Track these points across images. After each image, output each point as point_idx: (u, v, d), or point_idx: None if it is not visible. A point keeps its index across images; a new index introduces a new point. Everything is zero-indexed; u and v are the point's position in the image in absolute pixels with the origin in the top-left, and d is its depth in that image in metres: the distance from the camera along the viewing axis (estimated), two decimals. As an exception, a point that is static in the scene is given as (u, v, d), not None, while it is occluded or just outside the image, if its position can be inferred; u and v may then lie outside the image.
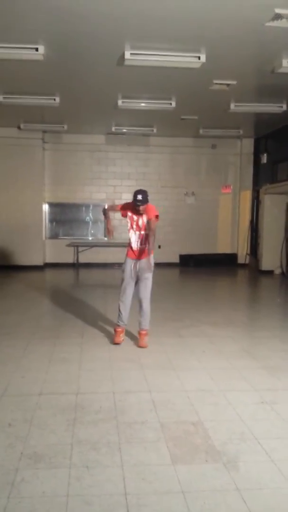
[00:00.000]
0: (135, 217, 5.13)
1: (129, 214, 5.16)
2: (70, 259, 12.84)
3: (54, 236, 12.99)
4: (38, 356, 4.77)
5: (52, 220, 13.02)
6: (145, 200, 4.97)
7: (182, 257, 13.44)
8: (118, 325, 5.26)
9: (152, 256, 5.08)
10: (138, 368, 4.44)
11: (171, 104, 9.09)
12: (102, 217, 5.35)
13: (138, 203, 4.94)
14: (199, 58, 6.70)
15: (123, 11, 5.48)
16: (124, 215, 5.25)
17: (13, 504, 2.31)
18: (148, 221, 5.03)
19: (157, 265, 12.81)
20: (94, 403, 3.59)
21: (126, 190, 13.11)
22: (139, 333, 5.25)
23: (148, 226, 5.03)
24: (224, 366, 4.56)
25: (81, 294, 9.03)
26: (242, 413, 3.43)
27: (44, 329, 5.92)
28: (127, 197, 13.07)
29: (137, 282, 5.21)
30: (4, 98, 8.81)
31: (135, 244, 5.18)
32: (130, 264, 5.18)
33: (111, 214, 5.61)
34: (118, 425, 3.20)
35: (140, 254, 5.15)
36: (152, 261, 5.07)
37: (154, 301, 6.93)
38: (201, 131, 11.76)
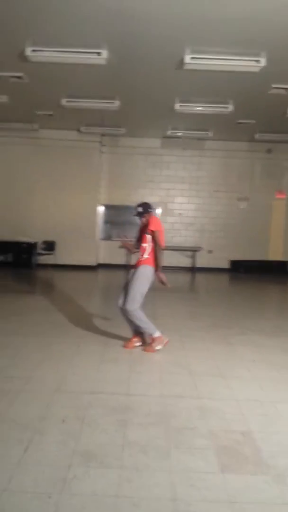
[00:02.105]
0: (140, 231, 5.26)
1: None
2: (122, 260, 13.03)
3: (107, 237, 13.22)
4: (90, 355, 4.88)
5: (106, 221, 13.27)
6: (144, 212, 5.09)
7: (232, 263, 13.29)
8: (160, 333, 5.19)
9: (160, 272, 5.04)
10: (187, 374, 4.46)
11: (228, 108, 9.05)
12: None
13: (136, 215, 5.13)
14: (258, 61, 6.65)
15: (184, 15, 5.54)
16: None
17: (64, 500, 2.39)
18: (152, 235, 5.01)
19: (207, 270, 12.88)
20: (144, 405, 3.64)
21: (179, 193, 13.18)
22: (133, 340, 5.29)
23: (152, 240, 5.03)
24: (275, 377, 4.48)
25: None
26: (293, 426, 3.38)
27: (96, 328, 6.05)
28: (180, 201, 13.16)
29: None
30: (66, 101, 9.07)
31: (140, 256, 5.14)
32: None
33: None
34: (167, 430, 3.23)
35: (139, 263, 5.09)
36: (163, 277, 5.02)
37: (203, 307, 6.89)
38: (257, 136, 11.61)
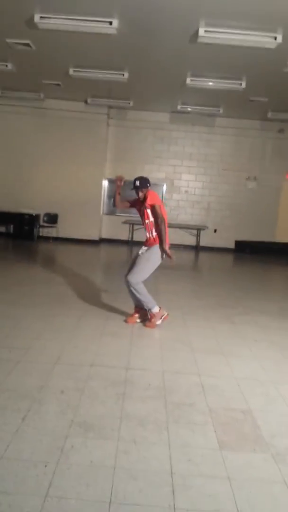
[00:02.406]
0: (137, 207, 5.12)
1: (137, 207, 5.13)
2: (125, 236, 12.96)
3: (111, 212, 13.11)
4: (91, 328, 4.86)
5: (110, 196, 13.13)
6: (142, 186, 4.92)
7: (238, 243, 13.20)
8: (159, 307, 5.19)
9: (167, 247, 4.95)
10: (188, 350, 4.43)
11: (241, 84, 8.83)
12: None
13: (133, 189, 4.98)
14: (275, 38, 6.45)
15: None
16: (132, 207, 5.25)
17: (62, 469, 2.37)
18: (151, 209, 4.91)
19: (212, 249, 12.81)
20: (143, 379, 3.62)
21: (186, 170, 13.01)
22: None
23: (152, 215, 4.94)
24: (276, 357, 4.46)
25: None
26: (293, 407, 3.35)
27: (98, 302, 6.02)
28: (187, 178, 13.00)
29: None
30: (74, 71, 8.87)
31: (147, 234, 5.06)
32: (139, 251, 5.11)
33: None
34: (166, 404, 3.21)
35: (149, 243, 5.04)
36: (170, 253, 4.95)
37: (207, 286, 6.86)
38: (269, 114, 11.38)
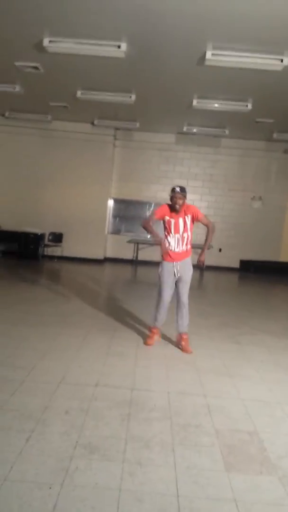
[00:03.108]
0: (173, 220, 4.84)
1: (167, 218, 4.87)
2: (129, 255, 12.98)
3: (116, 231, 13.17)
4: (96, 348, 4.84)
5: (115, 215, 13.21)
6: (184, 191, 4.77)
7: (242, 262, 13.18)
8: (156, 326, 5.19)
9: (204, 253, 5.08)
10: (194, 371, 4.39)
11: (247, 106, 8.93)
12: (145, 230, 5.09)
13: (179, 192, 4.72)
14: (281, 60, 6.54)
15: (206, 10, 5.44)
16: (161, 218, 4.92)
17: (66, 491, 2.35)
18: (197, 220, 4.85)
19: (216, 269, 12.77)
20: (149, 400, 3.59)
21: (192, 191, 13.06)
22: (182, 338, 5.08)
23: (203, 223, 4.93)
24: (282, 378, 4.41)
25: (138, 291, 9.12)
26: (300, 429, 3.31)
27: (103, 321, 6.00)
28: (192, 198, 13.04)
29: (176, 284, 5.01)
30: (82, 93, 9.01)
31: (175, 248, 4.91)
32: (169, 267, 4.92)
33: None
34: (172, 426, 3.17)
35: (181, 256, 4.94)
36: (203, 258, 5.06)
37: (211, 305, 6.84)
38: (275, 135, 11.47)
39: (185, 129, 11.61)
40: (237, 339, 5.72)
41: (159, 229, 5.02)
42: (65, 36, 6.46)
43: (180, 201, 4.75)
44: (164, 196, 12.88)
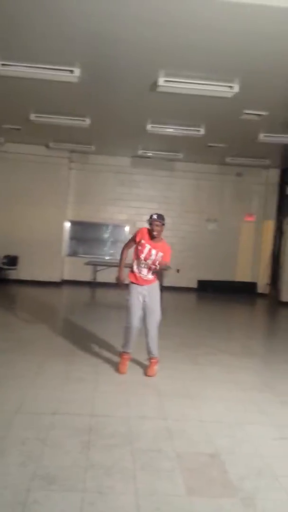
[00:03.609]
0: (148, 246, 4.82)
1: (143, 241, 4.85)
2: (87, 277, 12.86)
3: (73, 253, 13.05)
4: (53, 374, 4.73)
5: (72, 238, 13.10)
6: (162, 219, 4.82)
7: (200, 282, 13.35)
8: (126, 352, 5.04)
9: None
10: (154, 394, 4.37)
11: (199, 131, 9.16)
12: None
13: (156, 219, 4.76)
14: (231, 87, 6.76)
15: (157, 39, 5.57)
16: (139, 240, 4.89)
17: (24, 526, 2.25)
18: (161, 262, 4.86)
19: (175, 289, 12.86)
20: (109, 426, 3.52)
21: (148, 212, 13.06)
22: (151, 361, 5.03)
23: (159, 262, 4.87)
24: (242, 398, 4.45)
25: (97, 314, 9.03)
26: (260, 448, 3.34)
27: (60, 346, 5.88)
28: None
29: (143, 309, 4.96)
30: (35, 116, 8.98)
31: (143, 273, 4.92)
32: (136, 291, 4.90)
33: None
34: (132, 451, 3.12)
35: (147, 282, 4.95)
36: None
37: (171, 326, 6.85)
38: (227, 159, 11.80)
39: (140, 152, 11.76)
40: (196, 359, 5.74)
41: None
42: (18, 60, 6.44)
43: (158, 228, 4.79)
44: (121, 217, 12.99)
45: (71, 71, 6.56)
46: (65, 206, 12.75)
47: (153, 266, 4.87)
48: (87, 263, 12.63)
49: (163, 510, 2.47)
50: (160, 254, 4.85)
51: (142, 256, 4.84)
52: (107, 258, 13.14)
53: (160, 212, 5.13)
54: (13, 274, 12.29)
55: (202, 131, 9.13)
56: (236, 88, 6.68)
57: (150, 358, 5.04)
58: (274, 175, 13.21)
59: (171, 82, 6.70)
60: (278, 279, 12.42)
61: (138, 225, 13.18)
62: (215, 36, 5.37)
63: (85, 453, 3.05)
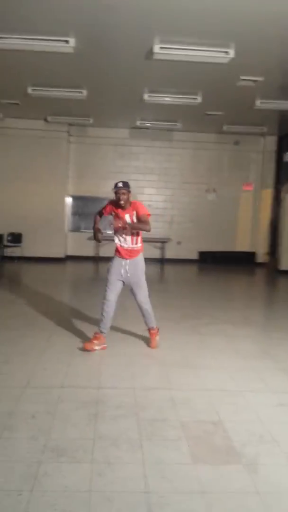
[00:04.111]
0: (120, 215, 4.71)
1: (114, 212, 4.77)
2: (90, 252, 12.92)
3: (76, 229, 13.08)
4: (60, 349, 4.82)
5: (74, 213, 13.10)
6: (126, 186, 4.63)
7: (201, 254, 13.40)
8: (101, 332, 4.82)
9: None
10: (158, 365, 4.47)
11: (196, 99, 9.05)
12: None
13: (121, 187, 4.59)
14: (227, 53, 6.64)
15: (152, 4, 5.47)
16: (108, 213, 4.87)
17: (36, 497, 2.35)
18: (139, 217, 4.66)
19: (176, 261, 12.92)
20: (115, 398, 3.62)
21: (148, 185, 13.13)
22: (150, 333, 5.03)
23: (139, 221, 4.68)
24: (243, 366, 4.55)
25: (101, 288, 9.10)
26: (262, 415, 3.43)
27: (66, 321, 5.97)
28: (149, 192, 13.11)
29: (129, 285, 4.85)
30: (32, 90, 8.87)
31: (123, 244, 4.81)
32: (118, 264, 4.80)
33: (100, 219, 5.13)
34: (138, 422, 3.22)
35: (130, 254, 4.82)
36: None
37: (173, 298, 6.90)
38: (224, 127, 11.68)
39: (138, 123, 11.64)
40: (199, 330, 5.83)
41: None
42: (13, 32, 6.32)
43: (124, 196, 4.62)
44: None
45: (66, 42, 6.47)
46: (65, 181, 12.71)
47: (134, 228, 4.67)
48: (90, 238, 12.65)
49: (170, 478, 2.57)
50: (135, 213, 4.69)
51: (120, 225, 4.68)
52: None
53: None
54: (18, 252, 12.37)
55: (199, 99, 9.04)
56: (231, 53, 6.58)
57: (149, 329, 5.04)
58: (271, 142, 13.12)
59: (167, 49, 6.60)
60: (276, 248, 12.44)
61: (138, 198, 13.12)
62: None
63: (92, 425, 3.15)
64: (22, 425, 3.10)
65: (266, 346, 5.32)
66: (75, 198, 13.02)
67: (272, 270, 12.27)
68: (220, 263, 12.86)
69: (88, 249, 12.92)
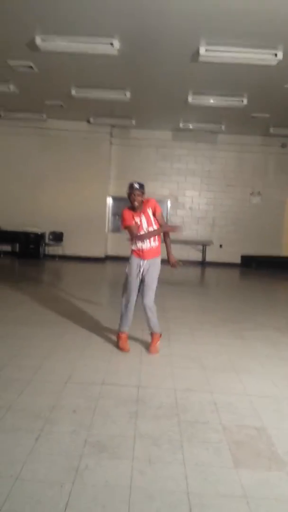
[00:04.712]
0: (137, 219, 4.59)
1: (134, 220, 4.62)
2: (129, 253, 12.93)
3: (116, 229, 13.16)
4: (100, 346, 4.85)
5: (115, 213, 13.19)
6: (142, 187, 4.54)
7: (243, 258, 13.19)
8: (123, 331, 4.80)
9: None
10: (199, 368, 4.40)
11: (242, 101, 8.94)
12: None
13: (137, 188, 4.49)
14: (276, 55, 6.54)
15: (198, 6, 5.44)
16: (131, 223, 4.62)
17: (77, 490, 2.36)
18: (157, 217, 4.61)
19: (218, 265, 12.77)
20: (155, 398, 3.59)
21: (190, 187, 13.08)
22: (152, 337, 4.83)
23: (158, 222, 4.62)
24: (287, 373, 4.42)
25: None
26: (307, 423, 3.32)
27: (107, 319, 5.99)
28: (191, 194, 13.06)
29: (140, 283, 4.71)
30: (76, 91, 9.00)
31: (143, 246, 4.66)
32: (136, 264, 4.70)
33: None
34: (179, 423, 3.18)
35: (150, 254, 4.68)
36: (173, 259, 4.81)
37: (213, 301, 6.78)
38: (271, 130, 11.48)
39: (181, 125, 11.60)
40: (241, 334, 5.72)
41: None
42: (58, 33, 6.44)
43: (139, 198, 4.52)
44: (163, 192, 12.92)
45: (111, 44, 6.53)
46: (107, 182, 12.82)
47: (152, 228, 4.59)
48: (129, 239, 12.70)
49: (211, 481, 2.52)
50: (150, 210, 4.59)
51: (142, 231, 4.61)
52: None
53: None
54: (59, 250, 12.58)
55: (245, 101, 8.93)
56: (280, 55, 6.49)
57: (151, 333, 4.84)
58: None
59: (213, 51, 6.57)
60: None
61: (180, 200, 13.13)
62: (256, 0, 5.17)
63: (133, 422, 3.14)
64: (64, 419, 3.12)
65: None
66: (116, 199, 13.11)
67: None
68: (264, 268, 12.61)
69: (127, 249, 12.93)
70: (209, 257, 13.09)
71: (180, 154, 13.05)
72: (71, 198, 12.57)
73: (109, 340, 5.08)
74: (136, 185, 4.54)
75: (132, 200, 4.55)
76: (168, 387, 3.85)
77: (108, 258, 13.01)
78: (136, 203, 4.54)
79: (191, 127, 11.74)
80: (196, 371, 4.30)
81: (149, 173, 12.96)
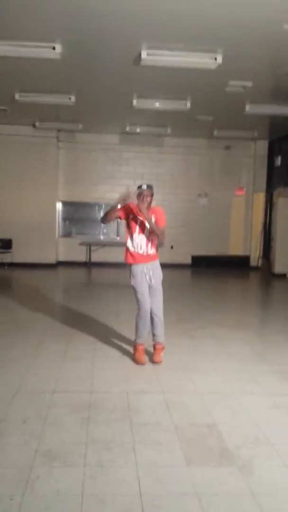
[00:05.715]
0: (140, 218, 4.47)
1: (131, 216, 4.51)
2: (82, 257, 12.88)
3: (67, 234, 13.02)
4: (51, 354, 4.79)
5: (65, 218, 13.05)
6: (151, 188, 4.49)
7: (194, 258, 13.40)
8: (140, 343, 4.66)
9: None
10: (151, 369, 4.44)
11: (186, 104, 9.06)
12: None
13: (146, 189, 4.41)
14: (215, 59, 6.65)
15: (140, 10, 5.46)
16: (126, 213, 4.52)
17: (28, 501, 2.32)
18: (158, 226, 4.49)
19: (169, 266, 12.90)
20: (108, 402, 3.59)
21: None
22: (156, 347, 4.71)
23: (157, 230, 4.49)
24: (237, 369, 4.53)
25: (94, 294, 9.08)
26: (256, 417, 3.41)
27: (57, 327, 5.93)
28: (140, 197, 13.08)
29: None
30: (20, 96, 8.84)
31: (139, 250, 4.55)
32: (140, 271, 4.57)
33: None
34: (132, 425, 3.19)
35: (147, 259, 4.61)
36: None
37: (166, 302, 6.87)
38: (215, 132, 11.71)
39: (128, 129, 11.63)
40: (192, 333, 5.81)
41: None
42: (0, 38, 6.30)
43: (148, 199, 4.43)
44: (113, 196, 12.81)
45: (53, 48, 6.45)
46: (56, 186, 12.67)
47: (151, 238, 4.53)
48: (82, 244, 12.63)
49: (163, 481, 2.54)
50: (154, 218, 4.47)
51: (137, 230, 4.50)
52: (101, 237, 13.12)
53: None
54: (8, 258, 12.28)
55: (188, 104, 9.03)
56: (219, 59, 6.59)
57: (155, 344, 4.72)
58: (262, 147, 13.17)
59: (155, 56, 6.59)
60: (270, 252, 12.48)
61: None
62: (197, 4, 5.27)
63: (84, 429, 3.12)
64: (14, 431, 3.07)
65: (260, 349, 5.31)
66: (66, 203, 12.98)
67: (266, 273, 12.30)
68: (214, 267, 12.86)
69: (79, 254, 12.88)
70: (161, 259, 13.16)
71: (128, 158, 13.09)
72: (19, 204, 12.31)
73: (59, 347, 5.02)
74: (144, 186, 4.46)
75: (140, 201, 4.38)
76: (121, 390, 3.85)
77: (59, 264, 12.85)
78: (146, 205, 4.42)
79: (138, 130, 11.80)
80: (148, 372, 4.34)
81: (99, 177, 12.92)
